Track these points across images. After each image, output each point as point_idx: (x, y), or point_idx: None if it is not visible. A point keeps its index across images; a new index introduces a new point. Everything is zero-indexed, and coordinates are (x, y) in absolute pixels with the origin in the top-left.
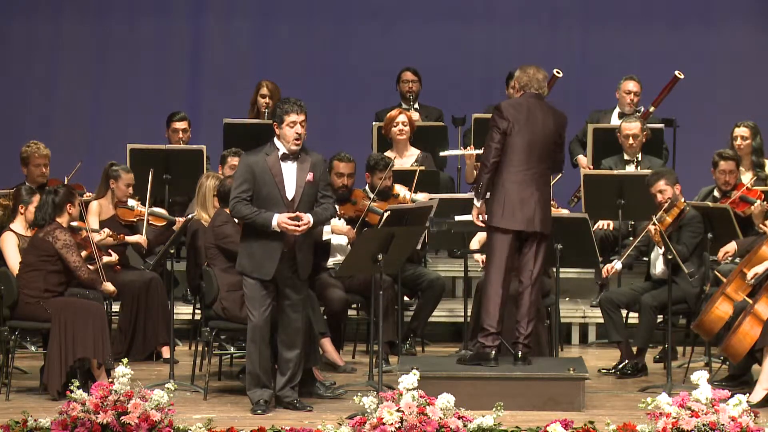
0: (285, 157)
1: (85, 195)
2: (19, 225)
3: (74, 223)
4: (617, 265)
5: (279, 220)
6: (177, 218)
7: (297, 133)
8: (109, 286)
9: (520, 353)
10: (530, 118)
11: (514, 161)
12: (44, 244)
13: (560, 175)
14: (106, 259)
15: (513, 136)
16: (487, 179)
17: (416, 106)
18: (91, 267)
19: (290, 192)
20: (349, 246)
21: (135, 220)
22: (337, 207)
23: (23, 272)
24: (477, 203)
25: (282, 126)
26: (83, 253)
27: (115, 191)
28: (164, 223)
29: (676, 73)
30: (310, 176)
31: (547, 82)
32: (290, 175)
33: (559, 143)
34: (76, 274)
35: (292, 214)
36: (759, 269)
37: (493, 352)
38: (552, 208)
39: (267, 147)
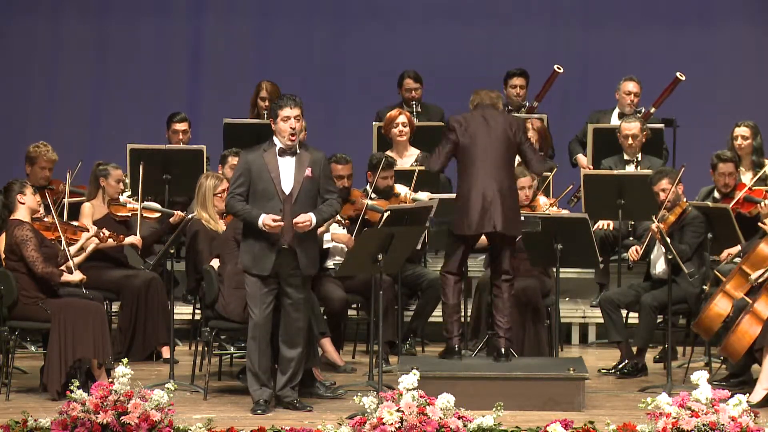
0: (283, 153)
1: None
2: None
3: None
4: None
5: (263, 220)
6: (176, 212)
7: (291, 127)
8: (73, 277)
9: (502, 349)
10: (480, 125)
11: (473, 167)
12: (12, 246)
13: (572, 186)
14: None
15: (466, 144)
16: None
17: (418, 109)
18: (73, 259)
19: (287, 187)
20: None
21: (130, 215)
22: (340, 204)
23: (18, 276)
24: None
25: (277, 121)
26: (76, 248)
27: (107, 189)
28: (158, 215)
29: (677, 74)
30: (308, 172)
31: (501, 99)
32: (287, 171)
33: (520, 143)
34: (31, 268)
35: (277, 216)
36: (761, 271)
37: (457, 346)
38: (553, 208)
39: (266, 144)
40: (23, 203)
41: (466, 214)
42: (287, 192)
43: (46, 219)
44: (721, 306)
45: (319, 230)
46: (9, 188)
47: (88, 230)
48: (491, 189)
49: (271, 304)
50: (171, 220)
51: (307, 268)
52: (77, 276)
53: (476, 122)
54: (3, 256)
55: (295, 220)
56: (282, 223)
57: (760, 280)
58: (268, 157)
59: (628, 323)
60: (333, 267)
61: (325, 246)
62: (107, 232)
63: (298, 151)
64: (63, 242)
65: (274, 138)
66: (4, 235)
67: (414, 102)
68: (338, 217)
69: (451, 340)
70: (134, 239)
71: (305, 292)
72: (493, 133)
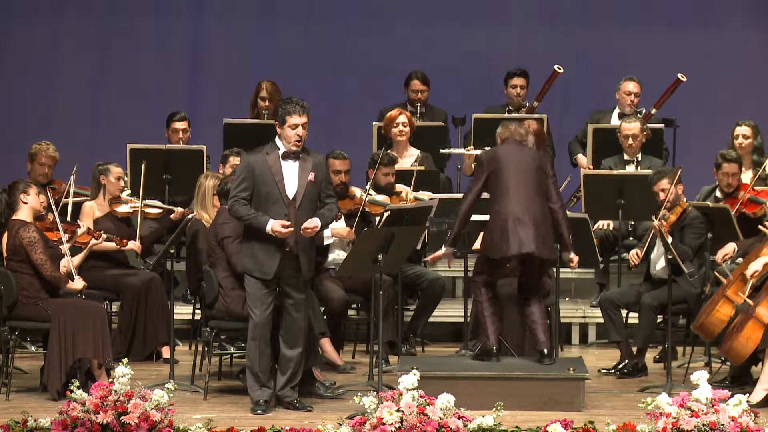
0: (286, 156)
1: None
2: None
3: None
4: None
5: (272, 226)
6: (176, 209)
7: (298, 135)
8: (76, 284)
9: (545, 350)
10: (510, 156)
11: (506, 193)
12: (17, 247)
13: (570, 177)
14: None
15: (498, 174)
16: (457, 230)
17: (423, 110)
18: (63, 267)
19: (291, 191)
20: (348, 244)
21: (131, 210)
22: (338, 207)
23: (18, 276)
24: (443, 249)
25: (283, 127)
26: (81, 257)
27: (108, 186)
28: (160, 211)
29: (679, 75)
30: (311, 176)
31: (530, 135)
32: (291, 174)
33: (548, 175)
34: (40, 271)
35: (287, 222)
36: (757, 266)
37: (494, 346)
38: None
39: (268, 146)
40: (26, 203)
41: (502, 238)
42: (291, 196)
43: (47, 218)
44: (723, 311)
45: None
46: (13, 187)
47: (80, 227)
48: (525, 213)
49: (271, 305)
50: (172, 216)
51: (308, 272)
52: (79, 284)
53: (506, 153)
54: (5, 255)
55: (303, 226)
56: (292, 230)
57: (757, 273)
58: (272, 160)
59: (628, 323)
60: (333, 267)
61: (325, 242)
62: (104, 235)
63: (301, 156)
64: (64, 244)
65: (277, 140)
66: (5, 234)
67: (419, 104)
68: None
69: (488, 339)
70: (134, 245)
71: (306, 292)
72: (525, 163)
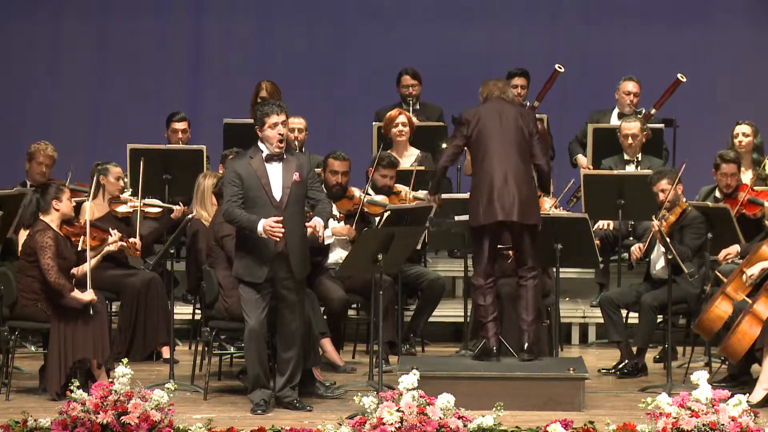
0: (269, 159)
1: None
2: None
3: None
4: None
5: (264, 226)
6: (175, 207)
7: (279, 133)
8: (83, 296)
9: (526, 344)
10: (493, 116)
11: (487, 157)
12: (30, 249)
13: (572, 181)
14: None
15: (480, 136)
16: (438, 180)
17: (416, 106)
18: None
19: (277, 193)
20: (349, 242)
21: (131, 211)
22: (332, 203)
23: (21, 276)
24: (429, 195)
25: (264, 128)
26: (95, 261)
27: (107, 186)
28: (160, 210)
29: (679, 75)
30: (296, 176)
31: (510, 88)
32: (276, 177)
33: (531, 134)
34: (45, 276)
35: (278, 218)
36: (754, 270)
37: (494, 347)
38: (554, 209)
39: (251, 150)
40: (58, 210)
41: (482, 204)
42: (278, 198)
43: (76, 223)
44: (722, 308)
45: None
46: (45, 191)
47: (111, 235)
48: (506, 178)
49: (265, 308)
50: (172, 215)
51: (300, 273)
52: (88, 296)
53: (488, 114)
54: (20, 249)
55: (315, 228)
56: (283, 229)
57: (753, 277)
58: (256, 164)
59: (628, 323)
60: (333, 267)
61: (326, 242)
62: (131, 240)
63: (284, 157)
64: (87, 247)
65: (260, 144)
66: (27, 232)
67: (411, 99)
68: (334, 212)
69: (488, 341)
70: (134, 242)
71: (301, 294)
72: (506, 124)
